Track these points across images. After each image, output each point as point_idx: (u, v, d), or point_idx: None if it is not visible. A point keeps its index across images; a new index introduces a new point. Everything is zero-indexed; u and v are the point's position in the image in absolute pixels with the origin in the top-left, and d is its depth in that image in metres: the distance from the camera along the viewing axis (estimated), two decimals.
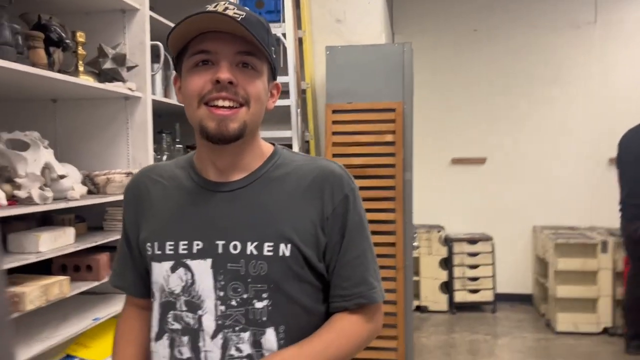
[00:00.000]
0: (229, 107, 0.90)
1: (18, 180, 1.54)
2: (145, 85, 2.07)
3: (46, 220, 1.85)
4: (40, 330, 1.62)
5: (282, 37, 2.77)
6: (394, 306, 2.67)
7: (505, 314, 4.62)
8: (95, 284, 1.74)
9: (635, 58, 4.72)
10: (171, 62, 1.16)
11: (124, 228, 1.07)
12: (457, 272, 4.60)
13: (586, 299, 4.09)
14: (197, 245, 0.95)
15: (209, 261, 0.93)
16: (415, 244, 2.79)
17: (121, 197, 1.10)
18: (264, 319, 0.92)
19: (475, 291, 4.61)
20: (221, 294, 0.92)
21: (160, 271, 0.97)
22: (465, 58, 4.93)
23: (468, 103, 4.94)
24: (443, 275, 4.63)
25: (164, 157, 2.44)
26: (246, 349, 0.92)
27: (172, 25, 0.91)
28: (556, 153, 4.84)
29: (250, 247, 0.92)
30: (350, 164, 2.74)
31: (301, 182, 0.97)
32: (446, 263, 4.64)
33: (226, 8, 0.88)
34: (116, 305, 1.83)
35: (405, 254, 2.68)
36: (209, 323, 0.93)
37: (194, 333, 0.93)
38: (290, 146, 2.74)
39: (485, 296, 4.62)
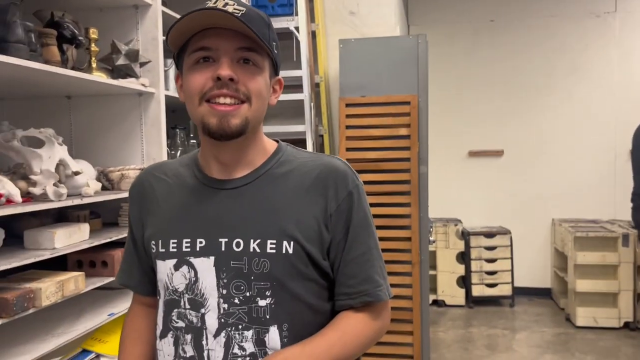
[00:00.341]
0: (230, 104, 0.89)
1: (33, 177, 1.55)
2: (159, 81, 2.07)
3: (61, 216, 1.86)
4: (56, 325, 1.64)
5: (294, 31, 2.75)
6: (410, 301, 2.65)
7: (524, 308, 4.57)
8: (111, 279, 1.75)
9: None
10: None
11: (129, 226, 1.08)
12: (474, 266, 4.56)
13: (606, 293, 4.03)
14: (200, 243, 0.94)
15: (212, 259, 0.93)
16: (431, 238, 2.76)
17: None
18: (267, 317, 0.91)
19: (492, 285, 4.57)
20: (224, 292, 0.92)
21: (164, 269, 0.97)
22: (482, 49, 4.86)
23: (485, 95, 4.88)
24: (460, 269, 4.59)
25: (178, 153, 2.45)
26: (249, 347, 0.91)
27: None
28: (576, 144, 4.76)
29: (253, 245, 0.92)
30: (364, 158, 2.72)
31: (305, 179, 0.96)
32: (463, 257, 4.60)
33: (226, 4, 0.87)
34: (130, 301, 1.84)
35: (420, 248, 2.66)
36: (212, 321, 0.92)
37: (197, 331, 0.93)
38: (303, 140, 2.73)
39: (503, 290, 4.57)
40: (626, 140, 4.49)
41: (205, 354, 0.92)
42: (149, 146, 2.07)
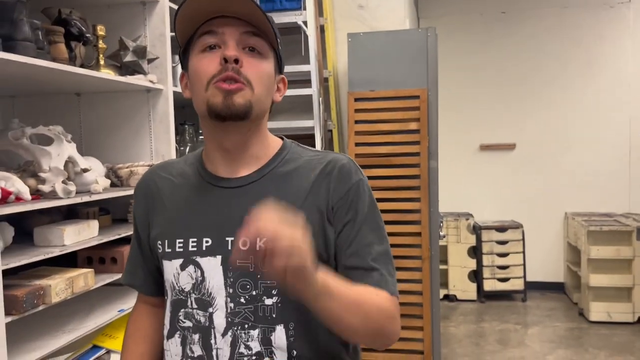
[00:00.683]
0: (234, 83, 0.89)
1: (42, 174, 1.56)
2: (167, 77, 2.08)
3: (71, 213, 1.88)
4: (67, 321, 1.65)
5: (303, 25, 2.74)
6: (420, 296, 2.64)
7: (536, 303, 4.54)
8: (120, 275, 1.74)
9: None
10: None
11: (134, 226, 1.07)
12: (486, 260, 4.53)
13: (620, 287, 3.98)
14: (207, 242, 0.94)
15: (218, 258, 0.93)
16: (441, 233, 2.74)
17: None
18: (274, 315, 0.90)
19: (504, 279, 4.54)
20: (230, 290, 0.91)
21: (170, 269, 0.97)
22: (493, 41, 4.81)
23: (497, 87, 4.83)
24: (472, 264, 4.56)
25: (187, 149, 2.45)
26: (255, 346, 0.90)
27: None
28: (589, 137, 4.70)
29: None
30: (373, 153, 2.70)
31: (309, 175, 0.95)
32: (475, 251, 4.57)
33: None
34: None
35: (430, 243, 2.64)
36: (219, 320, 0.92)
37: (205, 330, 0.93)
38: (312, 136, 2.72)
39: (516, 284, 4.54)
40: None
41: (213, 353, 0.92)
42: (158, 142, 2.08)
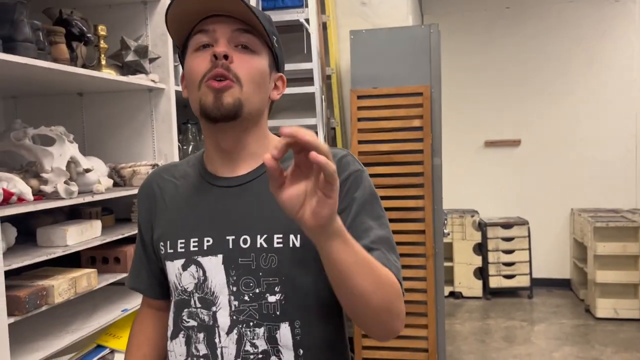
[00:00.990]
0: (222, 81, 0.88)
1: (44, 175, 1.56)
2: (169, 76, 2.07)
3: (74, 213, 1.88)
4: (70, 321, 1.66)
5: (305, 23, 2.73)
6: (424, 294, 2.63)
7: (542, 300, 4.52)
8: (123, 275, 1.76)
9: None
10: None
11: (138, 229, 1.08)
12: (491, 257, 4.52)
13: (627, 283, 3.96)
14: (208, 241, 0.94)
15: (220, 257, 0.93)
16: (445, 230, 2.73)
17: None
18: (278, 313, 0.90)
19: (510, 276, 4.52)
20: (234, 289, 0.91)
21: (173, 270, 0.97)
22: (497, 37, 4.78)
23: (501, 83, 4.81)
24: (477, 261, 4.55)
25: (190, 148, 2.45)
26: (261, 344, 0.90)
27: None
28: (595, 133, 4.67)
29: (260, 240, 0.91)
30: (376, 151, 2.69)
31: None
32: (480, 248, 4.56)
33: None
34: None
35: (435, 241, 2.63)
36: (223, 319, 0.92)
37: (209, 329, 0.93)
38: (315, 134, 2.71)
39: (521, 281, 4.52)
40: None
41: (218, 351, 0.92)
42: (160, 142, 2.08)
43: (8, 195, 1.40)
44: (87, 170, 1.69)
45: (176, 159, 2.09)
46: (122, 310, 1.76)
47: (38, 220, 1.70)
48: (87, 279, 1.58)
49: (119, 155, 2.08)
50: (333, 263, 0.76)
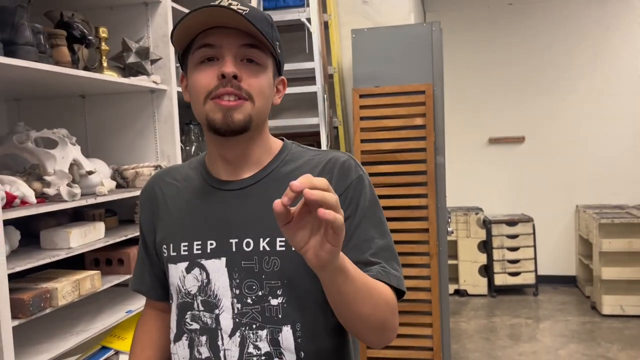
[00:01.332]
0: (234, 100, 0.89)
1: (47, 177, 1.57)
2: (170, 77, 2.08)
3: (78, 215, 1.88)
4: (75, 323, 1.66)
5: (306, 22, 2.72)
6: (428, 293, 2.62)
7: (548, 297, 4.50)
8: (127, 277, 1.76)
9: None
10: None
11: (141, 232, 1.08)
12: (496, 254, 4.51)
13: (633, 280, 3.95)
14: (211, 244, 0.94)
15: (223, 260, 0.93)
16: (449, 229, 2.73)
17: None
18: (280, 316, 0.91)
19: (515, 274, 4.51)
20: (237, 291, 0.92)
21: (176, 272, 0.97)
22: (500, 33, 4.76)
23: (505, 80, 4.79)
24: (482, 258, 4.54)
25: (193, 148, 2.45)
26: (264, 346, 0.91)
27: None
28: (599, 129, 4.65)
29: (263, 244, 0.91)
30: (379, 150, 2.69)
31: (311, 174, 0.95)
32: (485, 246, 4.55)
33: (230, 4, 0.87)
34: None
35: (438, 239, 2.62)
36: (226, 322, 0.92)
37: (212, 332, 0.93)
38: (317, 133, 2.71)
39: (527, 279, 4.51)
40: None
41: (221, 354, 0.92)
42: (163, 143, 2.08)
43: (11, 198, 1.41)
44: (90, 173, 1.69)
45: (179, 159, 2.09)
46: (127, 312, 1.77)
47: (41, 222, 1.71)
48: (90, 280, 1.59)
49: (122, 156, 2.09)
50: (334, 294, 0.80)
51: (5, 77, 1.53)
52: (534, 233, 4.51)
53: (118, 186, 1.94)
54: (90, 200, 1.64)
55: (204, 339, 0.94)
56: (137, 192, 1.88)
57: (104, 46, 1.88)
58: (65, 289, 1.48)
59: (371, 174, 2.80)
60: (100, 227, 1.74)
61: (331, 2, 2.93)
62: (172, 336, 1.00)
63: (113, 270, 1.79)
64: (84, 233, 1.65)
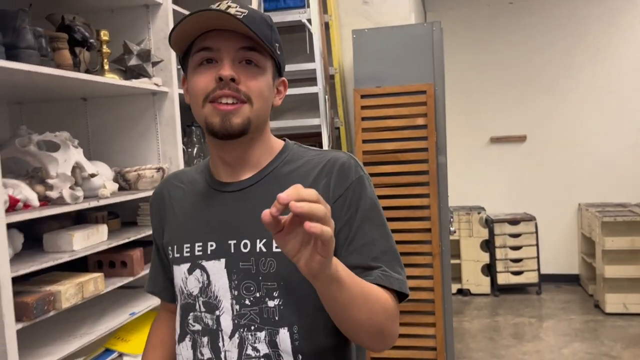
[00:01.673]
0: (232, 103, 0.89)
1: (50, 181, 1.57)
2: (172, 79, 2.08)
3: (80, 218, 1.89)
4: (78, 326, 1.67)
5: (307, 23, 2.73)
6: (431, 293, 2.62)
7: (551, 296, 4.50)
8: (130, 279, 1.76)
9: None
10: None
11: (153, 235, 1.10)
12: (499, 253, 4.50)
13: (636, 278, 3.94)
14: (211, 246, 0.95)
15: (222, 261, 0.94)
16: (452, 228, 2.72)
17: (152, 193, 1.13)
18: (277, 318, 0.91)
19: (518, 273, 4.51)
20: (236, 293, 0.92)
21: (179, 274, 0.98)
22: (501, 32, 4.76)
23: (506, 79, 4.79)
24: (485, 258, 4.54)
25: (195, 150, 2.46)
26: (263, 348, 0.91)
27: None
28: (601, 127, 4.64)
29: (259, 245, 0.91)
30: (381, 150, 2.69)
31: (310, 174, 0.95)
32: (487, 245, 4.54)
33: (228, 7, 0.87)
34: (151, 300, 1.86)
35: (441, 239, 2.62)
36: (226, 323, 0.92)
37: (213, 333, 0.94)
38: (319, 134, 2.71)
39: (530, 277, 4.51)
40: None
41: (222, 355, 0.93)
42: (165, 145, 2.09)
43: (14, 202, 1.41)
44: (92, 175, 1.69)
45: (181, 161, 2.10)
46: (130, 314, 1.77)
47: (44, 225, 1.71)
48: (94, 283, 1.59)
49: (124, 159, 2.09)
50: (329, 301, 0.80)
51: (8, 81, 1.54)
52: (536, 232, 4.50)
53: (120, 188, 1.94)
54: (93, 203, 1.65)
55: (205, 340, 0.94)
56: (140, 195, 1.88)
57: (105, 49, 1.89)
58: (69, 291, 1.48)
59: (373, 174, 2.79)
60: (103, 229, 1.75)
61: (332, 3, 2.93)
62: (176, 337, 1.00)
63: (116, 272, 1.79)
64: (86, 236, 1.65)
